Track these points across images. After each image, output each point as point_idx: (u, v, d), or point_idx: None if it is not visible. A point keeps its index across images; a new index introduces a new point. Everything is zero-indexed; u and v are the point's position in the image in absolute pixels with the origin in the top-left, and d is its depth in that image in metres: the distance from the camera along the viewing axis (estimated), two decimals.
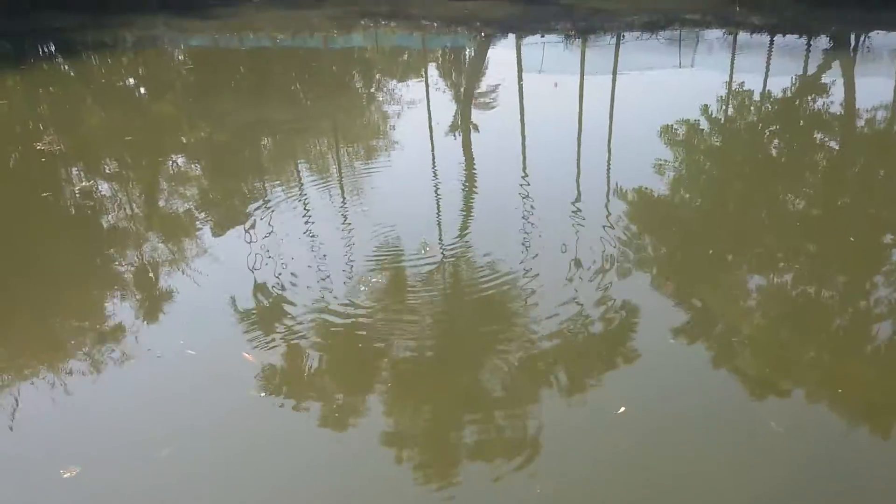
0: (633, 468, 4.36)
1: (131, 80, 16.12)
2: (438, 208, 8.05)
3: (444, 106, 13.08)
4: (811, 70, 14.37)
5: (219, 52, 19.38)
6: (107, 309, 6.28)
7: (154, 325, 6.04)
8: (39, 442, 4.75)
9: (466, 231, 7.50)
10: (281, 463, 4.51)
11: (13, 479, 4.44)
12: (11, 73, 16.79)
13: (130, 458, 4.56)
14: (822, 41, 17.42)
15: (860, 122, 10.88)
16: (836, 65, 14.75)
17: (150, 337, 5.86)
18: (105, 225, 8.05)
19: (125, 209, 8.53)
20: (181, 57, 18.70)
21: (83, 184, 9.30)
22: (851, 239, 7.16)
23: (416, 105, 12.81)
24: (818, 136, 10.48)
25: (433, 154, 9.95)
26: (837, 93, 12.30)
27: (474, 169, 9.49)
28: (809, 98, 12.37)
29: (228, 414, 4.95)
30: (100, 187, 9.18)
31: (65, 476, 4.39)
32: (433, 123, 11.31)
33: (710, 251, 6.99)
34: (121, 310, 6.24)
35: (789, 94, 12.42)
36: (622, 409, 4.82)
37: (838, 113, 11.22)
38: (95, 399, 5.17)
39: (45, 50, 20.34)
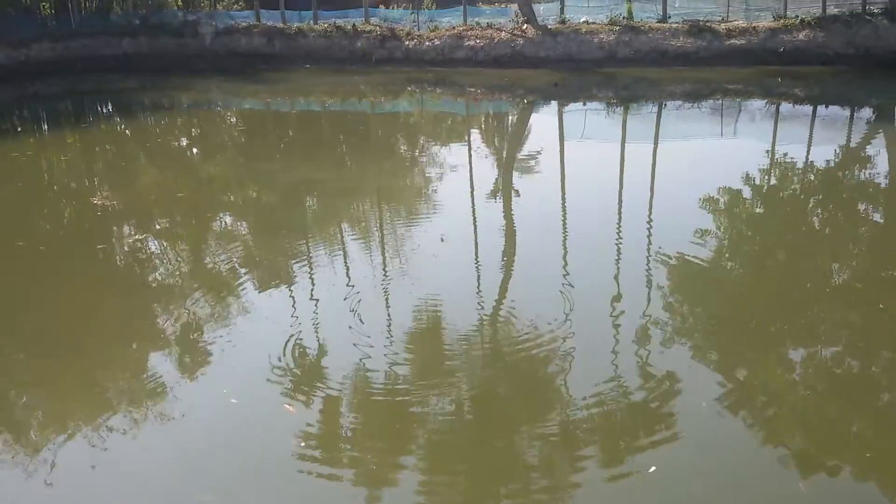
0: None
1: (185, 141, 16.71)
2: (478, 271, 8.15)
3: (486, 170, 13.30)
4: (854, 141, 14.34)
5: (270, 114, 20.03)
6: (153, 360, 6.44)
7: (199, 375, 6.18)
8: (92, 485, 4.89)
9: (506, 294, 7.57)
10: None
11: None
12: (71, 131, 17.58)
13: (177, 501, 4.67)
14: (866, 113, 17.39)
15: None
16: (879, 136, 14.69)
17: (194, 386, 6.00)
18: (156, 277, 8.30)
19: (174, 264, 8.79)
20: (234, 119, 19.36)
21: (135, 237, 9.62)
22: (881, 306, 7.08)
23: (459, 169, 13.05)
24: (862, 207, 10.40)
25: (474, 217, 10.10)
26: (881, 164, 12.23)
27: (515, 233, 9.60)
28: (853, 169, 12.32)
29: (270, 463, 5.04)
30: (151, 242, 9.49)
31: None
32: (475, 188, 11.52)
33: (752, 322, 6.94)
34: (167, 361, 6.40)
35: (832, 165, 12.38)
36: (653, 468, 4.82)
37: (883, 184, 11.14)
38: (143, 442, 5.29)
39: (104, 110, 21.26)
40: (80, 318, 7.35)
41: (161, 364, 6.36)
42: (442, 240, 8.99)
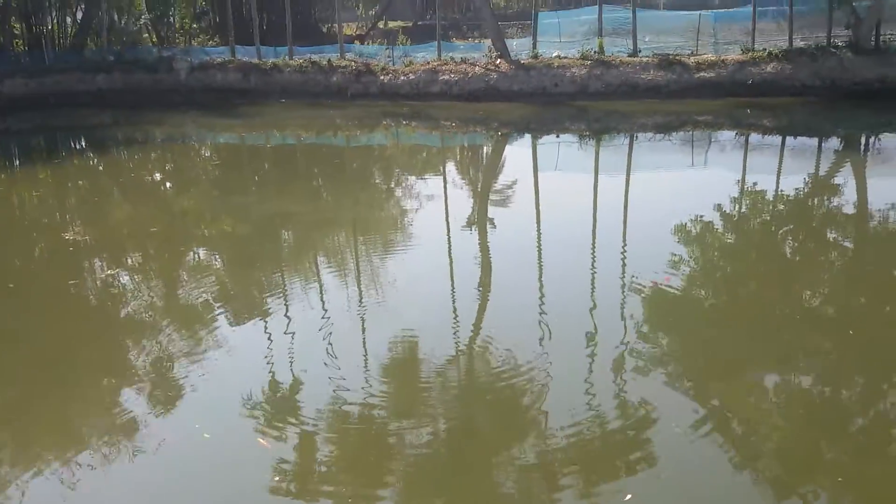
0: None
1: (159, 175, 16.64)
2: (454, 302, 8.15)
3: (462, 201, 13.37)
4: (823, 170, 14.61)
5: (245, 148, 20.03)
6: (125, 396, 6.34)
7: (172, 410, 6.09)
8: None
9: (481, 326, 7.57)
10: None
11: None
12: (43, 166, 17.45)
13: None
14: (833, 143, 17.74)
15: (873, 222, 10.98)
16: (847, 165, 14.98)
17: (167, 421, 5.91)
18: (129, 312, 8.21)
19: (147, 298, 8.70)
20: (208, 153, 19.33)
21: (108, 272, 9.53)
22: (850, 332, 7.18)
23: (434, 200, 13.11)
24: (832, 235, 10.57)
25: (450, 248, 10.13)
26: (849, 193, 12.46)
27: (490, 263, 9.63)
28: (822, 197, 12.54)
29: (243, 498, 4.98)
30: (124, 277, 9.40)
31: None
32: (450, 219, 11.56)
33: (725, 349, 6.99)
34: (139, 396, 6.31)
35: (802, 194, 12.60)
36: (629, 496, 4.82)
37: (851, 212, 11.33)
38: (115, 477, 5.21)
39: (77, 145, 21.12)
40: (52, 354, 7.23)
41: (133, 399, 6.26)
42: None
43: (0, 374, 6.91)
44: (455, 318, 7.69)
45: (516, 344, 6.91)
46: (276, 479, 5.14)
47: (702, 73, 22.72)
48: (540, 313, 7.72)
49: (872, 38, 22.44)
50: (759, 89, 21.94)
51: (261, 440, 5.58)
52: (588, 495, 4.92)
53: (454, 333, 7.33)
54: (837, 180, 13.60)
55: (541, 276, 8.88)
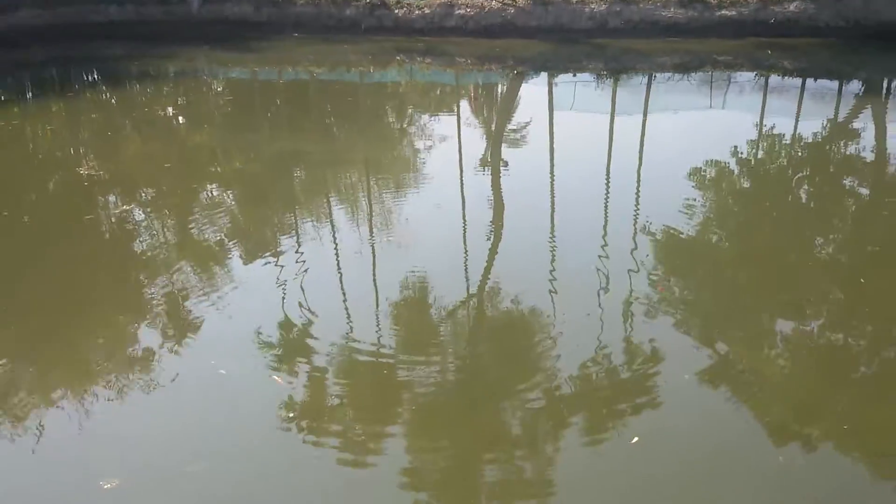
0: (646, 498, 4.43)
1: (171, 110, 16.56)
2: (465, 243, 8.18)
3: (475, 141, 13.27)
4: (842, 114, 14.37)
5: (257, 84, 19.85)
6: (141, 331, 6.47)
7: (187, 346, 6.21)
8: (81, 455, 4.96)
9: (492, 267, 7.61)
10: (303, 484, 4.64)
11: (55, 490, 4.64)
12: (56, 100, 17.38)
13: (166, 472, 4.77)
14: (854, 86, 17.39)
15: (891, 168, 10.85)
16: (867, 110, 14.72)
17: (182, 357, 6.04)
18: (144, 248, 8.30)
19: (161, 234, 8.78)
20: (220, 88, 19.18)
21: (123, 207, 9.59)
22: (862, 280, 7.18)
23: (448, 140, 13.02)
24: (848, 181, 10.46)
25: (462, 188, 10.11)
26: (868, 138, 12.28)
27: (503, 204, 9.62)
28: (840, 142, 12.37)
29: (258, 432, 5.12)
30: (138, 212, 9.46)
31: (105, 487, 4.58)
32: (464, 158, 11.50)
33: (736, 295, 7.01)
34: (154, 332, 6.43)
35: (820, 138, 12.43)
36: (635, 439, 4.92)
37: (869, 158, 11.20)
38: (132, 412, 5.35)
39: (89, 78, 20.98)
40: (67, 289, 7.35)
41: (149, 335, 6.39)
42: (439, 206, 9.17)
43: (16, 307, 7.04)
44: (466, 259, 7.73)
45: (527, 285, 6.97)
46: (290, 414, 5.27)
47: (723, 12, 22.17)
48: (551, 255, 7.74)
49: None
50: (781, 29, 21.42)
51: (275, 376, 5.70)
52: (595, 437, 5.02)
53: (465, 275, 7.38)
54: (857, 125, 13.39)
55: (553, 218, 8.88)
